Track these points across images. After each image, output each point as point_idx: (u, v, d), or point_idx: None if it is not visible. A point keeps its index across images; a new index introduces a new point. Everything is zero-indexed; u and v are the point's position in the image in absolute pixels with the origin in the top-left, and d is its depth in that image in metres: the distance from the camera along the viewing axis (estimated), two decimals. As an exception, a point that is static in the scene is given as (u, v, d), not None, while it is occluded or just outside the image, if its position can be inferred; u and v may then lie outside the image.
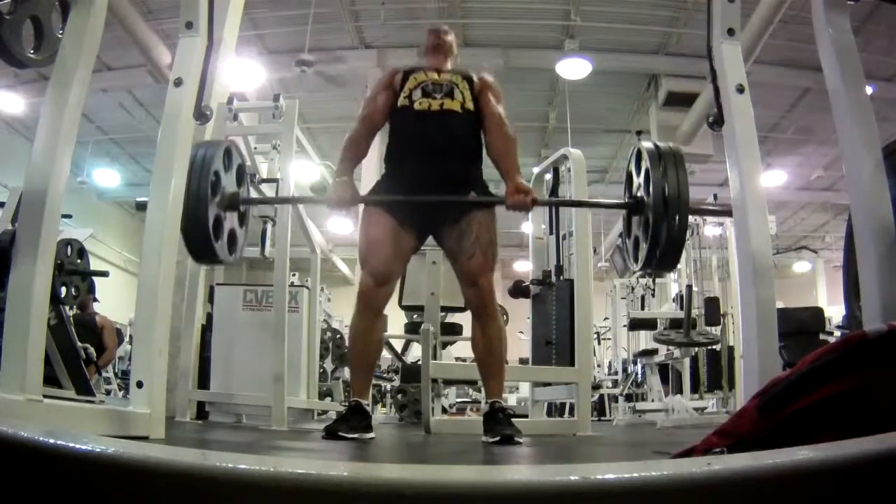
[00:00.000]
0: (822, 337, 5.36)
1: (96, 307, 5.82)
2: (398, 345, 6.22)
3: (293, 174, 3.63)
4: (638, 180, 2.26)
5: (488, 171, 2.53)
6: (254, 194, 4.14)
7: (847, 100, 1.73)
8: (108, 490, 0.71)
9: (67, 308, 3.50)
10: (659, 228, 2.09)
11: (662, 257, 2.16)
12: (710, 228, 6.92)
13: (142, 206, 2.03)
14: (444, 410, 5.21)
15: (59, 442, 0.73)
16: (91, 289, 5.28)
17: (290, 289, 3.82)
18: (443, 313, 4.71)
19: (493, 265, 2.40)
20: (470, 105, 2.46)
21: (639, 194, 2.24)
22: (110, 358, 6.10)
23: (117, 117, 9.85)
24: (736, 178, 1.96)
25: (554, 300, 3.94)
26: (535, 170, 4.64)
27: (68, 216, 2.61)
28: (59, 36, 1.86)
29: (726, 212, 2.33)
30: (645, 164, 2.18)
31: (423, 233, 2.48)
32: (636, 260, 2.31)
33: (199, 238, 2.17)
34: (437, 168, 2.39)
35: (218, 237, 2.22)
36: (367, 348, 2.46)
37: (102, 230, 11.22)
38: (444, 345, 5.09)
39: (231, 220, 2.32)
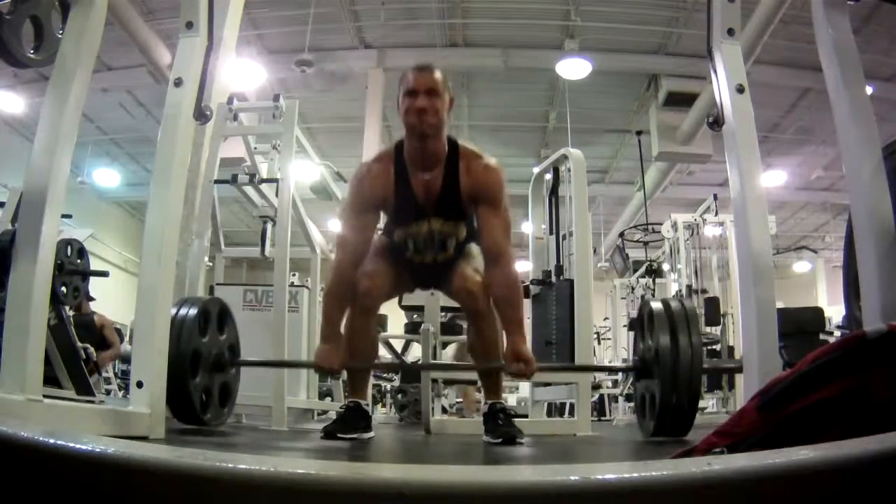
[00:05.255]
0: (822, 337, 5.36)
1: (92, 306, 5.83)
2: (398, 345, 6.21)
3: (293, 174, 3.63)
4: (646, 342, 2.19)
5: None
6: (254, 194, 4.16)
7: (847, 100, 1.73)
8: (108, 490, 0.71)
9: (67, 308, 3.50)
10: (668, 400, 2.01)
11: (674, 426, 2.08)
12: (710, 228, 6.91)
13: None
14: (444, 410, 5.21)
15: (59, 442, 0.73)
16: (86, 292, 5.28)
17: (290, 289, 3.82)
18: (443, 313, 4.71)
19: (481, 271, 2.40)
20: (462, 234, 2.36)
21: (647, 358, 2.17)
22: (116, 353, 6.10)
23: (117, 117, 9.85)
24: (736, 178, 1.95)
25: (554, 300, 3.94)
26: (535, 170, 4.64)
27: (68, 216, 2.60)
28: (59, 36, 1.86)
29: (737, 369, 2.27)
30: (654, 326, 2.10)
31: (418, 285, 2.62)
32: (643, 422, 2.23)
33: (187, 415, 2.21)
34: (432, 274, 2.47)
35: (207, 406, 2.22)
36: (364, 348, 2.46)
37: (102, 230, 11.22)
38: (444, 345, 5.08)
39: (221, 375, 2.29)
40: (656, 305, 2.13)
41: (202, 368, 2.16)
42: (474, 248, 2.41)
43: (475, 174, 2.24)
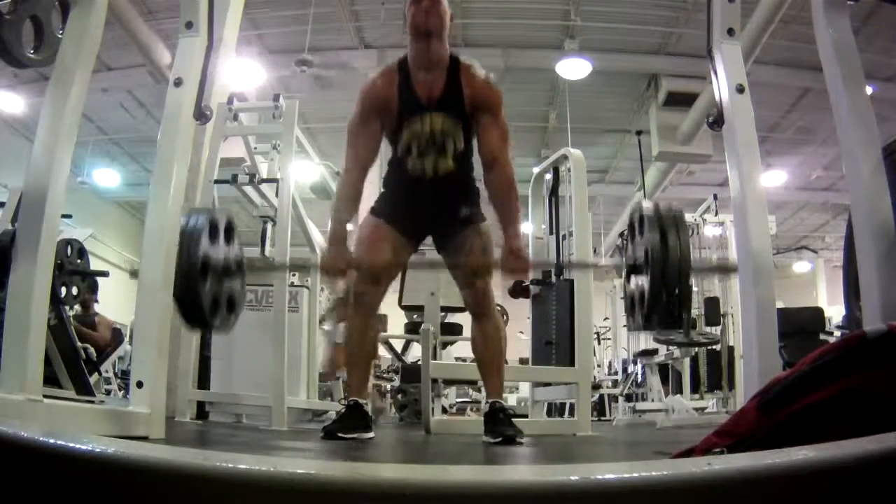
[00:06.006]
0: (822, 337, 5.36)
1: (96, 307, 5.84)
2: (398, 345, 6.22)
3: (293, 174, 3.63)
4: (637, 243, 2.24)
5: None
6: (254, 194, 4.16)
7: (847, 100, 1.73)
8: (109, 490, 0.71)
9: (68, 308, 3.50)
10: (657, 295, 2.06)
11: (661, 320, 2.15)
12: (710, 228, 6.91)
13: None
14: (445, 410, 5.21)
15: (59, 442, 0.73)
16: (93, 288, 5.31)
17: (290, 289, 3.82)
18: (443, 313, 4.71)
19: (489, 269, 2.42)
20: (460, 140, 2.37)
21: (638, 259, 2.22)
22: (104, 344, 6.11)
23: (117, 117, 9.84)
24: (736, 178, 1.96)
25: (554, 300, 3.94)
26: (535, 170, 4.64)
27: (68, 216, 2.61)
28: (59, 36, 1.86)
29: (731, 269, 2.30)
30: (645, 230, 2.15)
31: (420, 240, 2.56)
32: (633, 317, 2.30)
33: (198, 320, 2.19)
34: (434, 208, 2.46)
35: (216, 311, 2.22)
36: (363, 347, 2.46)
37: (102, 230, 11.20)
38: (444, 345, 5.08)
39: (229, 284, 2.30)
40: (647, 207, 2.19)
41: (211, 274, 2.17)
42: (488, 231, 2.42)
43: (477, 85, 2.37)
